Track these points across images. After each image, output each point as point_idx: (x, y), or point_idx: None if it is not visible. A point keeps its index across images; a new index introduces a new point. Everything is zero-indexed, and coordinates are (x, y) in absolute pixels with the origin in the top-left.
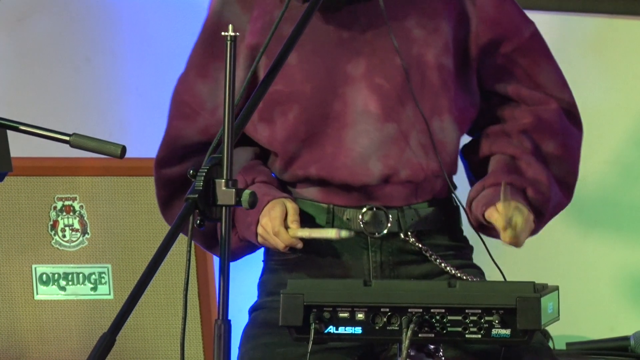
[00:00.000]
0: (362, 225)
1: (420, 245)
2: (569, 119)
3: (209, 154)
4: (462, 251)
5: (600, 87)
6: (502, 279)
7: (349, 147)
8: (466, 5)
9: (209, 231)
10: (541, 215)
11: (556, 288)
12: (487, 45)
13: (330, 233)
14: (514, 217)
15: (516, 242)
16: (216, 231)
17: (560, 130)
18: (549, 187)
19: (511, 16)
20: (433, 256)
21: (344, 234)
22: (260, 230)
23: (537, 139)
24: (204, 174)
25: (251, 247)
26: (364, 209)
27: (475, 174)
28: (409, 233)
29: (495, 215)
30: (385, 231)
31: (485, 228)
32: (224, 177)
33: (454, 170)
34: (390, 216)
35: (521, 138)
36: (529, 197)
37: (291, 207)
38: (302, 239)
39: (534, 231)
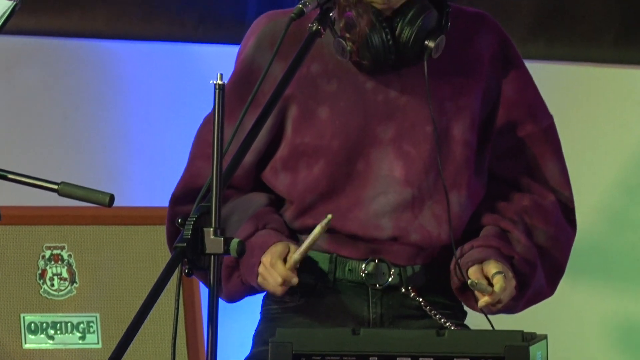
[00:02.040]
0: (363, 276)
1: (420, 300)
2: (565, 216)
3: (197, 202)
4: (456, 312)
5: (588, 135)
6: (491, 328)
7: (365, 205)
8: (492, 85)
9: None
10: (524, 287)
11: (545, 337)
12: (503, 126)
13: (316, 232)
14: (496, 277)
15: (494, 305)
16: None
17: (554, 223)
18: (536, 263)
19: (531, 103)
20: (433, 311)
21: (324, 222)
22: (260, 268)
23: (531, 224)
24: (192, 222)
25: (251, 290)
26: (367, 260)
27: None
28: (410, 287)
29: (478, 274)
30: (386, 283)
31: (464, 293)
32: (212, 226)
33: (458, 242)
34: (392, 270)
35: (515, 218)
36: (515, 266)
37: (294, 248)
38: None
39: (513, 308)
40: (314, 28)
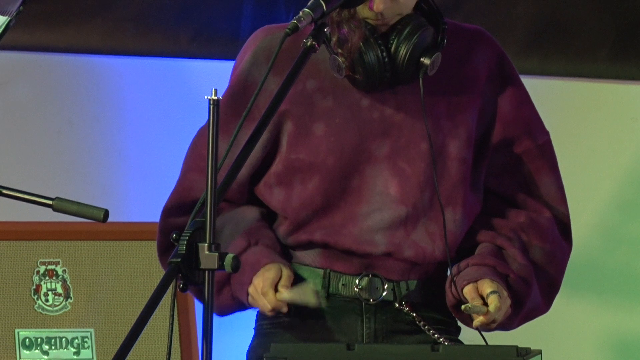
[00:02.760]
0: (357, 291)
1: (414, 315)
2: (561, 232)
3: (192, 217)
4: (450, 328)
5: (583, 150)
6: (484, 343)
7: (359, 220)
8: (488, 102)
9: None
10: (519, 305)
11: (539, 352)
12: (499, 143)
13: (309, 299)
14: (491, 297)
15: (488, 323)
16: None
17: (550, 239)
18: (532, 281)
19: (528, 119)
20: (426, 326)
21: (323, 302)
22: (251, 289)
23: (527, 240)
24: (186, 237)
25: (241, 306)
26: (361, 275)
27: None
28: (404, 302)
29: (473, 293)
30: (380, 298)
31: (460, 310)
32: (207, 241)
33: (452, 258)
34: (386, 284)
35: (511, 235)
36: (511, 284)
37: (286, 273)
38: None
39: (508, 325)
40: (308, 43)
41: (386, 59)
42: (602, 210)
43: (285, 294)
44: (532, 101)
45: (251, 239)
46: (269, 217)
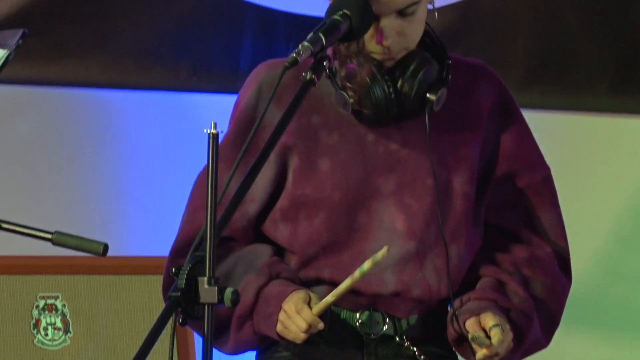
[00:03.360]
0: (358, 325)
1: (415, 350)
2: (561, 267)
3: (192, 251)
4: None
5: (582, 184)
6: None
7: (367, 258)
8: (490, 137)
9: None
10: (521, 340)
11: None
12: (501, 177)
13: (350, 279)
14: (494, 330)
15: (491, 356)
16: (219, 322)
17: (551, 274)
18: (532, 315)
19: (529, 154)
20: None
21: (357, 275)
22: (282, 316)
23: (528, 275)
24: (186, 271)
25: (262, 342)
26: (362, 310)
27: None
28: (404, 337)
29: (475, 327)
30: (381, 332)
31: (461, 344)
32: (207, 275)
33: (456, 293)
34: (387, 319)
35: (512, 269)
36: (512, 318)
37: (314, 295)
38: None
39: (509, 359)
40: (307, 77)
41: (393, 95)
42: (601, 245)
43: (323, 303)
44: (533, 136)
45: (272, 272)
46: (279, 254)
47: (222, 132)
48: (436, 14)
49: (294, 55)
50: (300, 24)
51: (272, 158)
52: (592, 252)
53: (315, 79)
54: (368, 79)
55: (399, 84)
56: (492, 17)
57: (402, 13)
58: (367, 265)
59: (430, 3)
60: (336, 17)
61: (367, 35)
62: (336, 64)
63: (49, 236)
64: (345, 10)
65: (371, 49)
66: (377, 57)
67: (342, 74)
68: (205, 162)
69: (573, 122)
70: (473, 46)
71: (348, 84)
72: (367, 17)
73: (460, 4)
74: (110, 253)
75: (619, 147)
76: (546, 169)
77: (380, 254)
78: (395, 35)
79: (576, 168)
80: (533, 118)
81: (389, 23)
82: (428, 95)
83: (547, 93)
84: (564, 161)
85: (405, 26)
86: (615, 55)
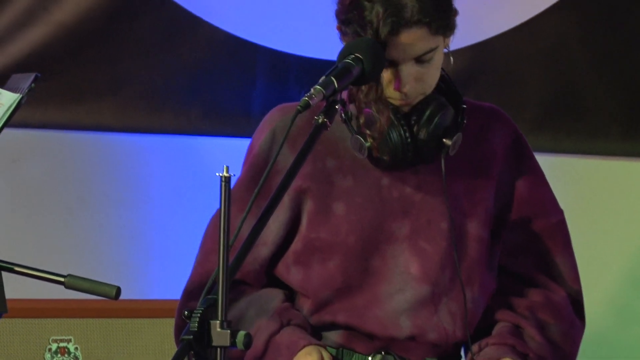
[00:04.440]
0: None
1: None
2: (575, 310)
3: (204, 295)
4: None
5: (594, 228)
6: None
7: (382, 302)
8: (505, 181)
9: None
10: None
11: None
12: (515, 222)
13: None
14: None
15: None
16: None
17: (566, 318)
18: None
19: (543, 199)
20: None
21: None
22: None
23: (543, 319)
24: (198, 315)
25: None
26: (374, 354)
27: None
28: None
29: None
30: None
31: None
32: (219, 319)
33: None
34: None
35: (527, 314)
36: None
37: (327, 356)
38: None
39: None
40: (320, 121)
41: (409, 139)
42: (614, 288)
43: None
44: (546, 180)
45: (283, 319)
46: (291, 298)
47: (234, 175)
48: (451, 58)
49: (306, 98)
50: (312, 67)
51: (286, 202)
52: (605, 294)
53: (327, 122)
54: (387, 127)
55: (415, 129)
56: (504, 60)
57: (419, 60)
58: None
59: (446, 47)
60: (348, 60)
61: (385, 81)
62: (352, 107)
63: (62, 279)
64: (357, 54)
65: (389, 94)
66: (395, 102)
67: (361, 120)
68: (218, 205)
69: (585, 166)
70: (485, 89)
71: (367, 131)
72: (379, 61)
73: (473, 46)
74: (122, 296)
75: (631, 190)
76: (560, 213)
77: None
78: (412, 82)
79: (589, 211)
80: (545, 161)
81: (407, 69)
82: (444, 140)
83: (559, 136)
84: (576, 204)
85: (423, 72)
86: (627, 99)
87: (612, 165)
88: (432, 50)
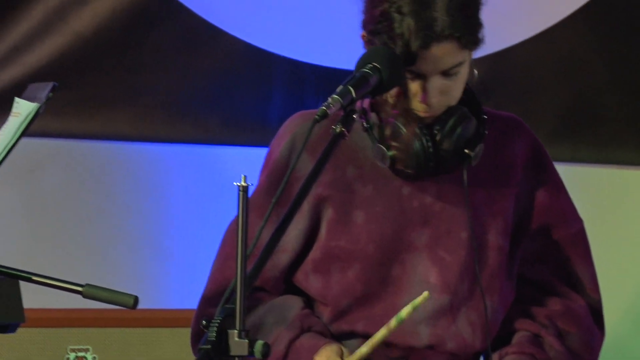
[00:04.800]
0: None
1: None
2: (594, 319)
3: (222, 303)
4: None
5: (613, 236)
6: None
7: (401, 310)
8: (525, 191)
9: None
10: None
11: None
12: (534, 231)
13: (386, 329)
14: None
15: None
16: None
17: (585, 327)
18: None
19: (563, 207)
20: None
21: (394, 323)
22: None
23: (563, 328)
24: (216, 324)
25: None
26: None
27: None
28: None
29: None
30: None
31: None
32: (237, 328)
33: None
34: None
35: (547, 322)
36: None
37: (347, 349)
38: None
39: None
40: (337, 130)
41: (431, 149)
42: (632, 296)
43: (363, 348)
44: (566, 189)
45: (303, 325)
46: (309, 306)
47: (252, 184)
48: (475, 71)
49: (324, 108)
50: (330, 76)
51: (306, 209)
52: (624, 303)
53: (345, 131)
54: (413, 138)
55: (438, 139)
56: (522, 70)
57: (446, 73)
58: (405, 311)
59: (470, 60)
60: (366, 70)
61: (411, 93)
62: (373, 116)
63: (80, 289)
64: (375, 63)
65: (414, 106)
66: (420, 114)
67: (387, 132)
68: (235, 214)
69: (603, 175)
70: (503, 98)
71: (393, 143)
72: (397, 71)
73: (490, 56)
74: (141, 306)
75: None
76: (579, 221)
77: (421, 298)
78: (438, 95)
79: (607, 220)
80: (563, 171)
81: (433, 82)
82: (466, 150)
83: (578, 146)
84: (594, 214)
85: (449, 85)
86: None
87: (630, 175)
88: (459, 64)
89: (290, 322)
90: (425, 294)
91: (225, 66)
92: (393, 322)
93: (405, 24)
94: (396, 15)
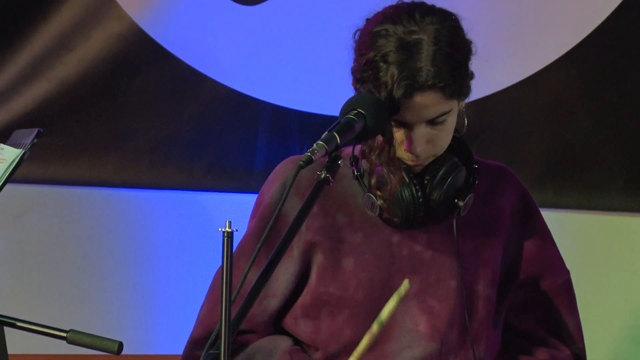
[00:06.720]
0: None
1: None
2: None
3: (206, 349)
4: None
5: (597, 283)
6: None
7: (390, 358)
8: (512, 240)
9: None
10: None
11: None
12: (522, 281)
13: (368, 335)
14: None
15: None
16: None
17: None
18: None
19: (551, 258)
20: None
21: (375, 328)
22: None
23: None
24: None
25: None
26: None
27: None
28: None
29: None
30: None
31: None
32: None
33: None
34: None
35: None
36: None
37: None
38: None
39: None
40: (322, 176)
41: (421, 199)
42: (615, 344)
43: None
44: (553, 239)
45: (293, 358)
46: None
47: (237, 230)
48: (465, 120)
49: (309, 154)
50: (315, 122)
51: (296, 254)
52: (608, 350)
53: (330, 177)
54: (399, 187)
55: (427, 189)
56: (507, 115)
57: (432, 122)
58: (385, 313)
59: (460, 109)
60: (351, 116)
61: (397, 142)
62: (364, 163)
63: (64, 334)
64: (359, 109)
65: (400, 154)
66: (408, 162)
67: (373, 181)
68: (220, 261)
69: (588, 221)
70: (487, 144)
71: (379, 192)
72: (382, 117)
73: (474, 102)
74: (124, 352)
75: (633, 245)
76: (566, 272)
77: (404, 288)
78: (424, 144)
79: (591, 266)
80: (547, 217)
81: (419, 131)
82: (456, 201)
83: (562, 192)
84: (578, 259)
85: (435, 135)
86: (629, 154)
87: (613, 221)
88: (445, 113)
89: (280, 355)
90: (406, 281)
91: (210, 112)
92: (375, 327)
93: (390, 73)
94: (382, 64)
